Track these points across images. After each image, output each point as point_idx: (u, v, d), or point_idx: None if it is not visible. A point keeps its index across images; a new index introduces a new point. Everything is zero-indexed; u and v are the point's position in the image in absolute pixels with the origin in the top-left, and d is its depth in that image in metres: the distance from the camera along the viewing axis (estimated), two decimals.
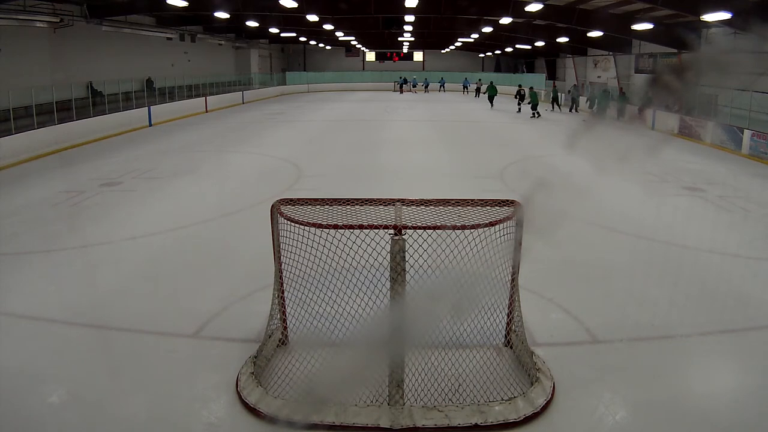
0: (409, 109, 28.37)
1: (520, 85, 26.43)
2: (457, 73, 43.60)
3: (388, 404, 3.79)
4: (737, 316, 5.35)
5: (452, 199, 4.23)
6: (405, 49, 45.16)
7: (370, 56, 47.98)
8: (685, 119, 18.00)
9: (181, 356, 4.64)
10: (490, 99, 28.31)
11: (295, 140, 17.14)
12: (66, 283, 6.20)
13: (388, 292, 3.82)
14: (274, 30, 30.51)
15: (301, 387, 3.97)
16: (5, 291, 5.89)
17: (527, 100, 24.34)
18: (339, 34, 32.18)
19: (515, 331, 4.53)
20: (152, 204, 9.53)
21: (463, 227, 3.74)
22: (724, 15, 13.42)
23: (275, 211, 4.16)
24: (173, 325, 5.10)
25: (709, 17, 13.99)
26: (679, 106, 17.19)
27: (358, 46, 43.59)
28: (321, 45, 42.68)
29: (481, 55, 46.36)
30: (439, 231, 3.77)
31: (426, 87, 41.77)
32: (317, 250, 3.90)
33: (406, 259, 3.73)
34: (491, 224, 3.85)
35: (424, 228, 3.80)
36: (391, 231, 3.73)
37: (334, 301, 4.03)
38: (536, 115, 23.23)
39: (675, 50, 20.24)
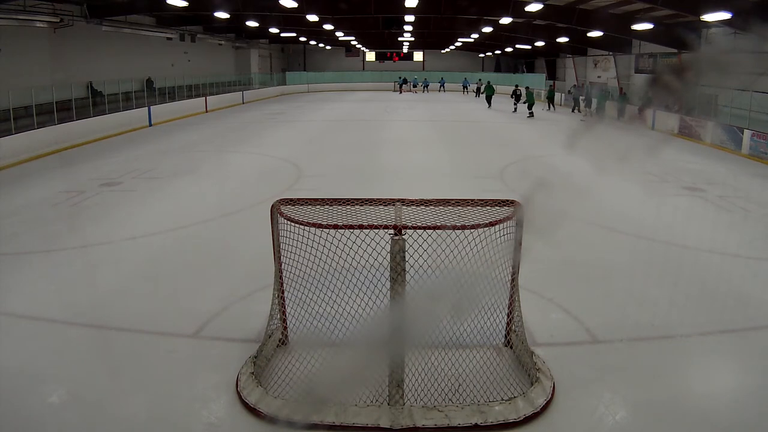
0: (409, 109, 28.37)
1: (516, 85, 26.64)
2: (457, 73, 43.61)
3: (388, 404, 3.79)
4: (737, 316, 5.34)
5: (452, 199, 4.23)
6: (405, 49, 45.16)
7: (370, 56, 47.98)
8: (685, 119, 18.00)
9: (181, 356, 4.64)
10: (488, 99, 28.72)
11: (295, 140, 17.14)
12: (66, 283, 6.20)
13: (388, 292, 3.82)
14: (274, 30, 30.51)
15: (301, 387, 3.97)
16: (5, 291, 5.89)
17: (523, 99, 24.60)
18: (339, 34, 32.18)
19: (515, 331, 4.53)
20: (152, 204, 9.53)
21: (463, 227, 3.74)
22: (724, 15, 13.42)
23: (275, 211, 4.16)
24: (173, 325, 5.10)
25: (709, 17, 13.99)
26: (679, 106, 17.19)
27: (358, 46, 43.58)
28: (321, 45, 42.67)
29: (481, 55, 46.36)
30: (439, 231, 3.77)
31: (425, 87, 41.75)
32: (317, 250, 3.90)
33: (406, 259, 3.72)
34: (491, 224, 3.85)
35: (424, 228, 3.80)
36: (391, 231, 3.73)
37: (334, 301, 4.03)
38: (531, 114, 23.47)
39: (675, 50, 20.24)
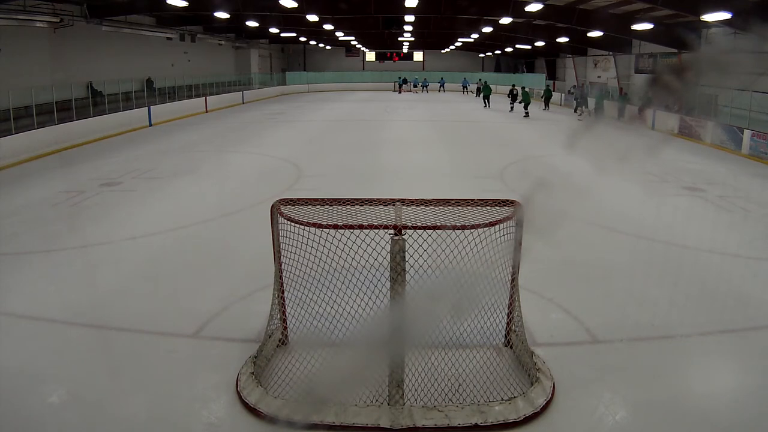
0: (409, 109, 28.38)
1: (513, 85, 26.71)
2: (457, 73, 43.61)
3: (388, 404, 3.79)
4: (737, 316, 5.34)
5: (452, 199, 4.23)
6: (405, 49, 45.16)
7: (370, 56, 47.98)
8: (685, 119, 18.00)
9: (181, 356, 4.64)
10: (485, 98, 28.89)
11: (295, 140, 17.14)
12: (66, 283, 6.20)
13: (388, 292, 3.82)
14: (274, 30, 30.51)
15: (301, 387, 3.97)
16: (5, 291, 5.89)
17: (519, 99, 24.69)
18: (339, 34, 32.18)
19: (515, 331, 4.53)
20: (152, 204, 9.53)
21: (463, 227, 3.74)
22: (724, 15, 13.43)
23: (275, 211, 4.16)
24: (173, 325, 5.10)
25: (709, 17, 13.99)
26: (679, 106, 17.19)
27: (358, 46, 43.58)
28: (321, 45, 42.67)
29: (481, 55, 46.36)
30: (439, 231, 3.77)
31: (425, 87, 41.74)
32: (317, 250, 3.90)
33: (406, 259, 3.72)
34: (491, 224, 3.85)
35: (424, 228, 3.80)
36: (391, 231, 3.73)
37: (334, 301, 4.03)
38: (526, 115, 23.56)
39: (675, 50, 20.24)
